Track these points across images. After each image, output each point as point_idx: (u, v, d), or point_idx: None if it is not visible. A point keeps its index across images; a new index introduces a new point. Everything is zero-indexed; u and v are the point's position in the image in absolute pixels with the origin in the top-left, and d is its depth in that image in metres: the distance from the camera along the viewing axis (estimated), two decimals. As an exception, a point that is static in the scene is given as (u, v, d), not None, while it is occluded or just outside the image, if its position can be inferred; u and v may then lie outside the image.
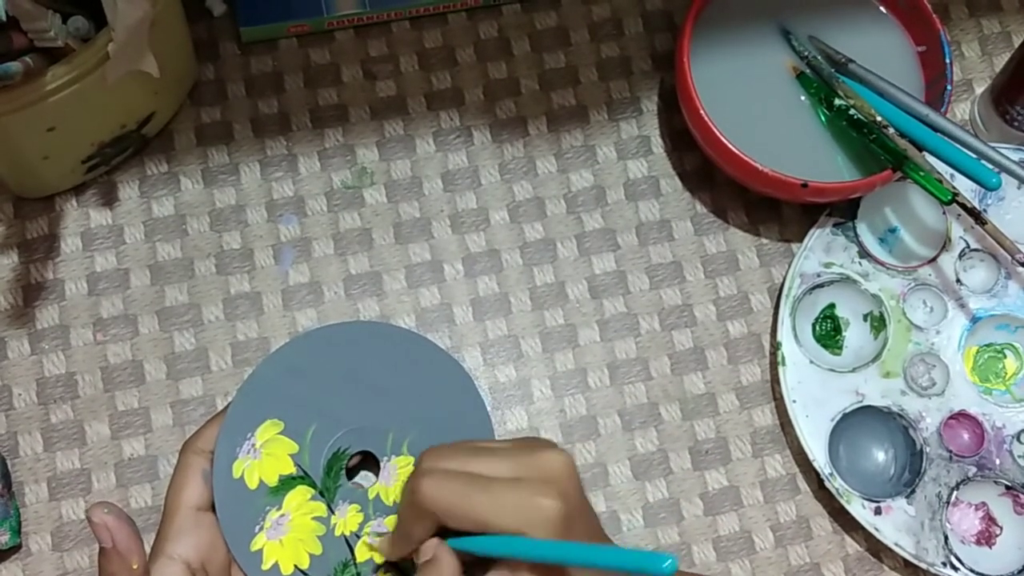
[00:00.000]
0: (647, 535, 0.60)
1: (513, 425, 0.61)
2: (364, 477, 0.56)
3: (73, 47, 0.53)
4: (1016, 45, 0.68)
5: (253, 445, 0.54)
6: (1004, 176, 0.59)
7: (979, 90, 0.69)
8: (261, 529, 0.54)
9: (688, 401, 0.63)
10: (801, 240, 0.64)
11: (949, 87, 0.62)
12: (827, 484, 0.59)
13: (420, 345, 0.58)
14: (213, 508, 0.53)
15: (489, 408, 0.59)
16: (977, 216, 0.61)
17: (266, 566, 0.53)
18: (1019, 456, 0.61)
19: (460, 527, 0.48)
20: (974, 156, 0.59)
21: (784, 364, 0.61)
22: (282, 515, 0.54)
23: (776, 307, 0.64)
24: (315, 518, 0.54)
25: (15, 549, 0.58)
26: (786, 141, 0.62)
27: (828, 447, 0.60)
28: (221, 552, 0.53)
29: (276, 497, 0.54)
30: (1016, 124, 0.65)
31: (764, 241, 0.66)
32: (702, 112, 0.60)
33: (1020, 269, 0.64)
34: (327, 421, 0.55)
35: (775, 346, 0.62)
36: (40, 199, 0.63)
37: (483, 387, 0.62)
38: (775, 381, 0.63)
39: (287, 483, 0.54)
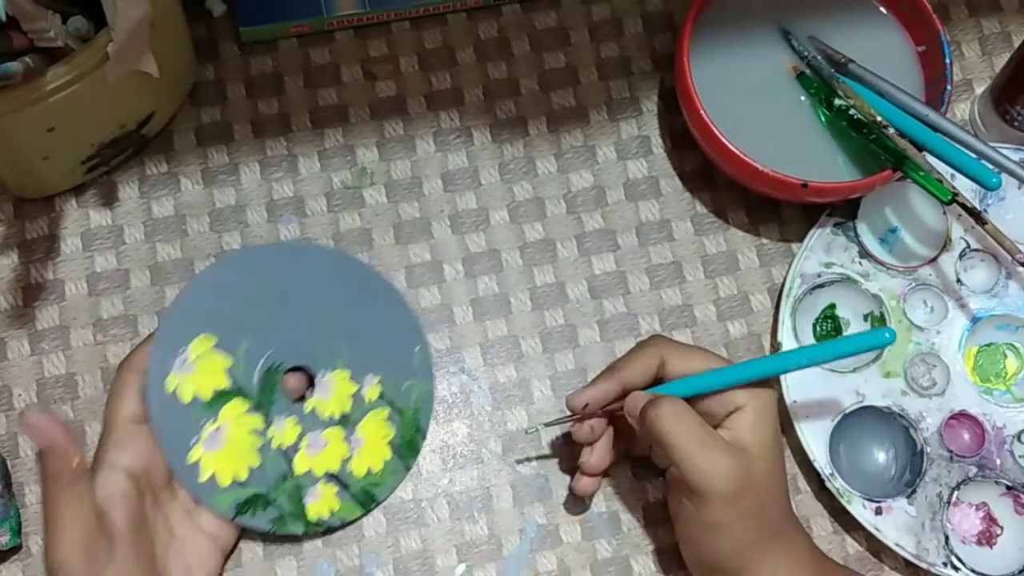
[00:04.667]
0: (648, 535, 0.60)
1: (513, 426, 0.61)
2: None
3: (73, 47, 0.53)
4: (1016, 45, 0.68)
5: (186, 360, 0.55)
6: (1004, 176, 0.59)
7: (979, 90, 0.69)
8: (198, 441, 0.55)
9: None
10: (801, 240, 0.64)
11: (949, 87, 0.62)
12: (828, 484, 0.59)
13: (347, 264, 0.60)
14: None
15: (420, 320, 0.61)
16: (977, 216, 0.61)
17: (203, 478, 0.54)
18: (1020, 456, 0.61)
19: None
20: (974, 156, 0.59)
21: (784, 364, 0.61)
22: (218, 428, 0.55)
23: (776, 307, 0.64)
24: (252, 431, 0.55)
25: (15, 550, 0.58)
26: (786, 141, 0.62)
27: (829, 447, 0.60)
28: (161, 461, 0.54)
29: (211, 410, 0.55)
30: (1016, 124, 0.65)
31: (764, 241, 0.66)
32: (702, 112, 0.60)
33: (1020, 269, 0.64)
34: (260, 336, 0.56)
35: (776, 346, 0.62)
36: (40, 199, 0.63)
37: (483, 387, 0.62)
38: (775, 381, 0.62)
39: (222, 396, 0.55)
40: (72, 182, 0.62)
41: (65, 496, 0.48)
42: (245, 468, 0.55)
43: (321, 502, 0.57)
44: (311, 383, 0.58)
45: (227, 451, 0.55)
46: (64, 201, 0.63)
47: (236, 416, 0.55)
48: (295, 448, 0.56)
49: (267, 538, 0.58)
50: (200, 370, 0.55)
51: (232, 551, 0.57)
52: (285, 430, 0.56)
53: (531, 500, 0.60)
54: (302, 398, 0.57)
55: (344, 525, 0.58)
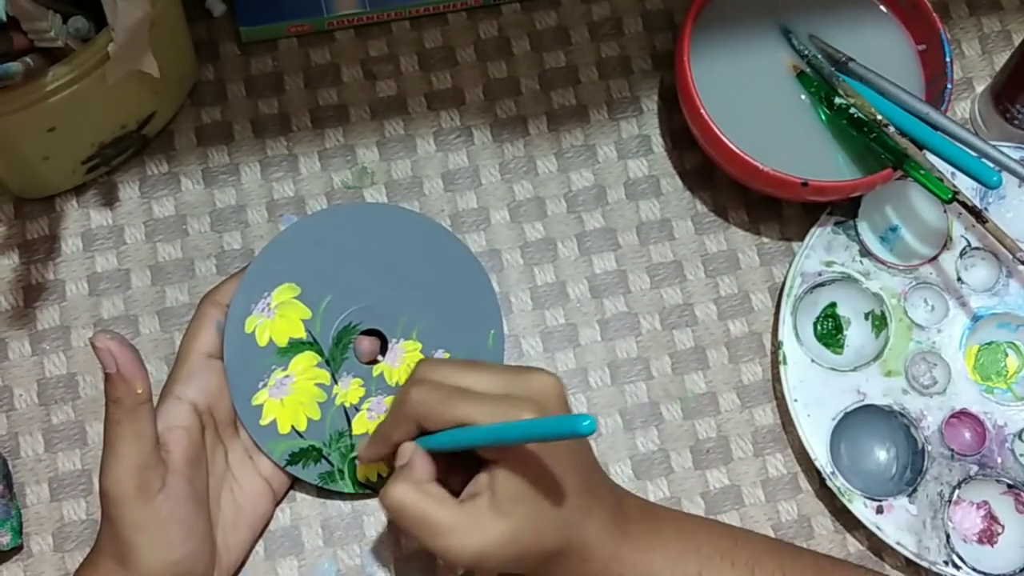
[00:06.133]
0: (648, 534, 0.60)
1: (514, 425, 0.61)
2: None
3: (73, 47, 0.53)
4: (1016, 44, 0.68)
5: (268, 304, 0.56)
6: (1005, 174, 0.59)
7: (979, 88, 0.69)
8: (265, 386, 0.56)
9: (689, 400, 0.63)
10: (802, 239, 0.64)
11: (949, 86, 0.62)
12: (829, 483, 0.59)
13: (444, 237, 0.61)
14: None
15: (499, 305, 0.61)
16: (978, 215, 0.61)
17: (264, 421, 0.56)
18: (1021, 455, 0.61)
19: (438, 429, 0.50)
20: (974, 154, 0.59)
21: (785, 363, 0.61)
22: (287, 376, 0.56)
23: (777, 306, 0.64)
24: (318, 384, 0.57)
25: (16, 550, 0.58)
26: (786, 140, 0.62)
27: (829, 446, 0.60)
28: (228, 400, 0.56)
29: (283, 358, 0.56)
30: (1016, 122, 0.65)
31: (765, 240, 0.66)
32: (702, 111, 0.60)
33: (1021, 268, 0.64)
34: (343, 294, 0.58)
35: (776, 345, 0.62)
36: (40, 200, 0.63)
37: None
38: (776, 380, 0.62)
39: (295, 346, 0.56)
40: (73, 182, 0.62)
41: (125, 423, 0.49)
42: (305, 419, 0.57)
43: (371, 466, 0.57)
44: (383, 348, 0.58)
45: (291, 400, 0.56)
46: (65, 201, 0.63)
47: (305, 368, 0.57)
48: (356, 409, 0.57)
49: (268, 542, 0.58)
50: (280, 317, 0.57)
51: (281, 500, 0.58)
52: (350, 389, 0.57)
53: (532, 499, 0.60)
54: (372, 361, 0.58)
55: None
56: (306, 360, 0.57)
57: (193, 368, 0.54)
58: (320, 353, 0.57)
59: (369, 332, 0.58)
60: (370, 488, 0.58)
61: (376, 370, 0.58)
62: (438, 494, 0.50)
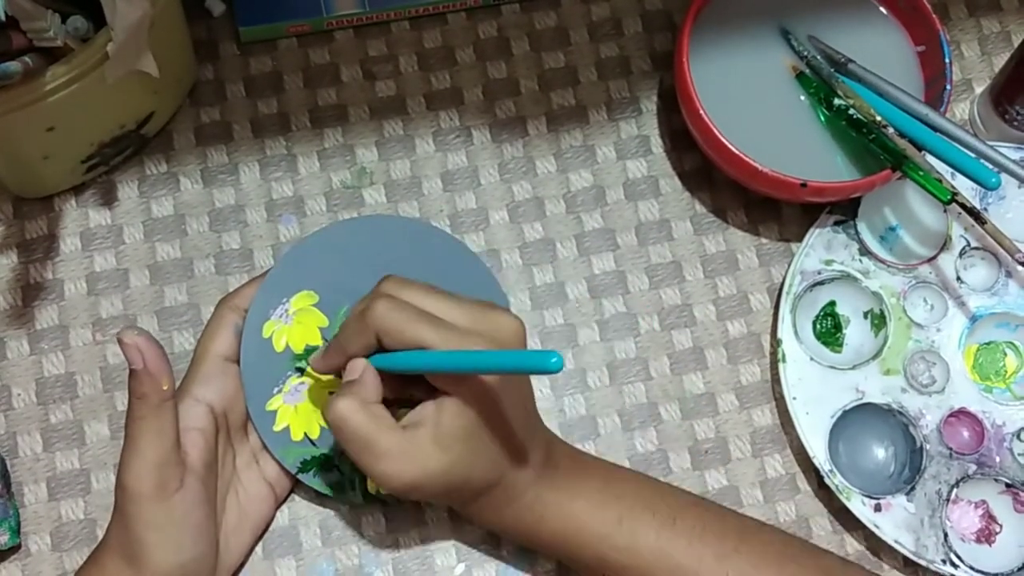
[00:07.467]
0: (647, 534, 0.60)
1: (513, 425, 0.61)
2: None
3: (72, 47, 0.53)
4: (1015, 45, 0.68)
5: (286, 310, 0.57)
6: (1004, 176, 0.59)
7: (978, 90, 0.69)
8: (280, 391, 0.56)
9: (687, 401, 0.63)
10: (800, 240, 0.64)
11: (948, 87, 0.62)
12: (827, 481, 0.59)
13: (467, 257, 0.60)
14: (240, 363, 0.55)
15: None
16: (977, 216, 0.61)
17: (277, 427, 0.56)
18: (1019, 454, 0.61)
19: (396, 348, 0.49)
20: (973, 156, 0.59)
21: (784, 361, 0.61)
22: (302, 383, 0.56)
23: (776, 305, 0.64)
24: (332, 393, 0.56)
25: (14, 549, 0.58)
26: (785, 141, 0.62)
27: (828, 444, 0.60)
28: (242, 404, 0.56)
29: (299, 364, 0.55)
30: (1015, 124, 0.66)
31: (763, 241, 0.66)
32: (701, 112, 0.60)
33: (1020, 268, 0.64)
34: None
35: (775, 343, 0.62)
36: (39, 199, 0.63)
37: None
38: (775, 380, 0.63)
39: (312, 353, 0.56)
40: (72, 182, 0.62)
41: (149, 419, 0.49)
42: (318, 427, 0.57)
43: None
44: None
45: (305, 407, 0.56)
46: (63, 201, 0.63)
47: (320, 375, 0.56)
48: None
49: (267, 542, 0.58)
50: (297, 323, 0.57)
51: (282, 503, 0.58)
52: None
53: (531, 499, 0.60)
54: None
55: (399, 503, 0.59)
56: None
57: (210, 370, 0.54)
58: None
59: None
60: (380, 500, 0.57)
61: None
62: (383, 416, 0.49)
